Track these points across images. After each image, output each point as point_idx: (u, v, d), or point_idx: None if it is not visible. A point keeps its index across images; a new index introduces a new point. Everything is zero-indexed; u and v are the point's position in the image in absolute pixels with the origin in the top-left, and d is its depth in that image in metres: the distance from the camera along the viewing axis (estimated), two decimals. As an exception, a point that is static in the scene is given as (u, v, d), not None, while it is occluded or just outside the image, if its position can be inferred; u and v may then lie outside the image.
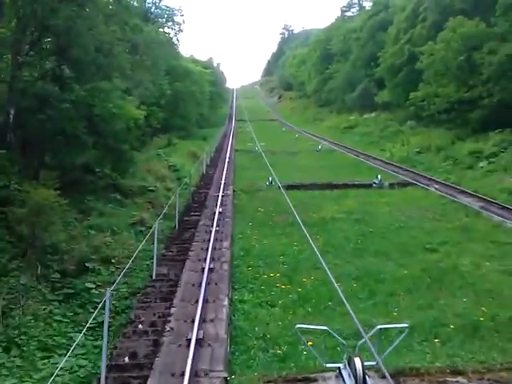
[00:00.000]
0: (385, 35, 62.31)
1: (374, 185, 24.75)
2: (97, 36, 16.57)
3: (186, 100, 56.18)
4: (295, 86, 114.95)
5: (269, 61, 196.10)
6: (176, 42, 45.06)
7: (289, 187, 23.52)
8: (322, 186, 24.49)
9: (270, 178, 24.73)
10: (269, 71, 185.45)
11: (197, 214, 17.79)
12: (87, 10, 16.74)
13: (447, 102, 35.88)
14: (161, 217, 15.01)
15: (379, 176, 24.99)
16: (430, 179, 25.17)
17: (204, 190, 22.39)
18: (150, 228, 14.35)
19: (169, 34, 42.76)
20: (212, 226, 15.30)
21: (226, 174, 27.80)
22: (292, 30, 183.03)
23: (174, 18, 44.02)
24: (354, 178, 27.35)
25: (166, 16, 41.26)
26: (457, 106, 35.22)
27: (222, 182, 24.23)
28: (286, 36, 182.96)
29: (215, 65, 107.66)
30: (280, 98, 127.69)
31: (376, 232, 16.25)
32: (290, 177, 27.86)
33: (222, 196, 20.68)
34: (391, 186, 24.59)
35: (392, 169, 29.31)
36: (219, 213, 17.25)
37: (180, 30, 44.47)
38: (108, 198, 17.81)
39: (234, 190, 22.92)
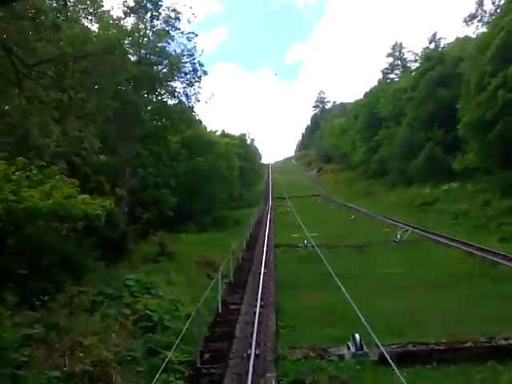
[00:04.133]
0: (445, 91, 52.96)
1: None
2: None
3: (211, 177, 44.33)
4: (336, 158, 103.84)
5: (303, 134, 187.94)
6: (191, 103, 32.21)
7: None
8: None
9: (358, 337, 11.30)
10: (304, 145, 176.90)
11: None
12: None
13: None
14: None
15: None
16: None
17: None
18: None
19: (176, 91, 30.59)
20: None
21: (261, 309, 14.59)
22: (326, 102, 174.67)
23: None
24: None
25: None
26: None
27: (253, 349, 10.89)
28: (321, 108, 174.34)
29: (249, 141, 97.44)
30: (320, 170, 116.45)
31: None
32: (385, 311, 14.65)
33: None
34: None
35: None
36: None
37: (197, 90, 32.07)
38: None
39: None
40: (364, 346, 11.14)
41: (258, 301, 15.57)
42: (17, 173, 12.23)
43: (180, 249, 21.33)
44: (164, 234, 24.94)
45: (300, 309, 15.62)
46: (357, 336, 11.24)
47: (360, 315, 9.87)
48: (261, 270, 21.38)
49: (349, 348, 11.30)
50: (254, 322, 12.89)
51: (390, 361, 8.13)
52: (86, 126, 14.11)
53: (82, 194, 13.70)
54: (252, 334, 11.87)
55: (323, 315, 14.58)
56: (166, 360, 9.11)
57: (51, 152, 12.93)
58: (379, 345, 9.20)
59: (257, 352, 10.67)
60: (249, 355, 10.43)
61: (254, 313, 14.09)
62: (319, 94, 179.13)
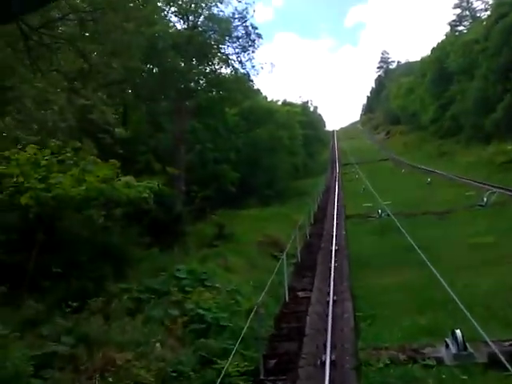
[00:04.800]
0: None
1: None
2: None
3: (272, 148, 42.21)
4: (404, 119, 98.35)
5: (368, 97, 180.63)
6: (245, 69, 29.94)
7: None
8: None
9: (459, 333, 9.06)
10: (369, 108, 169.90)
11: None
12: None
13: None
14: None
15: None
16: None
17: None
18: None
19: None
20: None
21: (335, 296, 12.63)
22: (391, 62, 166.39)
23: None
24: None
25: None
26: None
27: (328, 354, 8.91)
28: (385, 68, 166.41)
29: (312, 108, 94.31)
30: (388, 133, 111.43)
31: None
32: (481, 291, 12.31)
33: None
34: None
35: None
36: None
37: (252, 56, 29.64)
38: None
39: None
40: (467, 345, 8.92)
41: (331, 285, 13.64)
42: (47, 157, 10.74)
43: (240, 228, 19.60)
44: (224, 211, 23.32)
45: (380, 292, 13.49)
46: (458, 332, 9.01)
47: (458, 300, 7.65)
48: (331, 246, 19.39)
49: (447, 347, 9.11)
50: (327, 315, 10.94)
51: (506, 364, 5.99)
52: (93, 92, 12.19)
53: (124, 177, 12.08)
54: (326, 331, 9.93)
55: (409, 299, 12.41)
56: (223, 373, 7.34)
57: (55, 128, 11.14)
58: (489, 342, 6.99)
59: (333, 357, 8.71)
60: (323, 362, 8.52)
61: (327, 302, 12.19)
62: (383, 54, 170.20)
